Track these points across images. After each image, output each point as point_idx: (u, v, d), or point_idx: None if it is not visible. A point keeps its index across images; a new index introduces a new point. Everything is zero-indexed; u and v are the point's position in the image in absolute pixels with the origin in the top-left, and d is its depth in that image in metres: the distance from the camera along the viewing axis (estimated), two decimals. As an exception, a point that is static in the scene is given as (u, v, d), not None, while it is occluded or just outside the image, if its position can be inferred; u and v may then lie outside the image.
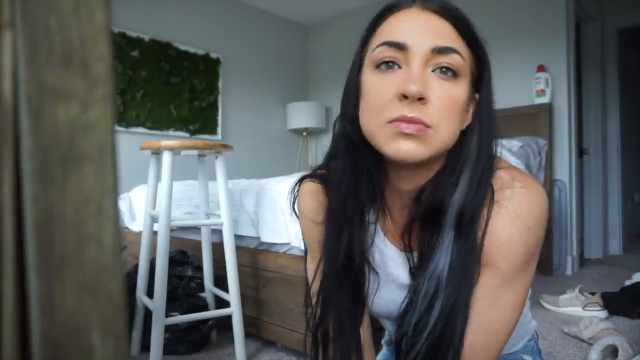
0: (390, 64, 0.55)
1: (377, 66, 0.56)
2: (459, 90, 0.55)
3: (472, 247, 0.56)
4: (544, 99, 2.91)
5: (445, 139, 0.55)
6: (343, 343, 0.66)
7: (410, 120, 0.52)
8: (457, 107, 0.55)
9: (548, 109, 2.90)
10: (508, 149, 2.48)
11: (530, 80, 2.99)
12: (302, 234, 0.75)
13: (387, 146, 0.54)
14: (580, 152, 3.67)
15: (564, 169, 3.00)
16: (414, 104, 0.52)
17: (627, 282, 2.37)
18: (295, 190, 0.72)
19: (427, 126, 0.53)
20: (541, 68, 2.95)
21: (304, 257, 0.77)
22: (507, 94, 3.07)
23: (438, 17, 0.55)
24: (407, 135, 0.52)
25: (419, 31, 0.54)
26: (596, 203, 3.74)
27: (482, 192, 0.56)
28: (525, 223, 0.56)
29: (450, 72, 0.54)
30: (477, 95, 0.60)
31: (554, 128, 2.99)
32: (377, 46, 0.56)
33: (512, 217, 0.56)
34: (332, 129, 0.66)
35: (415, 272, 0.61)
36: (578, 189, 3.16)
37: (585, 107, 3.74)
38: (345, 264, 0.63)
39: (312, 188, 0.70)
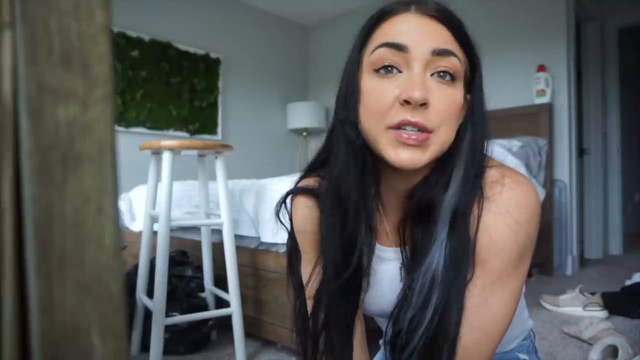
0: (389, 68, 0.55)
1: (376, 70, 0.56)
2: (457, 93, 0.56)
3: (464, 242, 0.56)
4: (544, 99, 2.91)
5: (445, 142, 0.56)
6: (335, 352, 0.66)
7: (414, 125, 0.53)
8: (456, 110, 0.56)
9: (548, 109, 2.90)
10: (508, 149, 2.48)
11: (530, 80, 2.99)
12: (298, 243, 0.74)
13: (388, 153, 0.55)
14: (580, 152, 3.67)
15: (564, 169, 3.00)
16: (416, 109, 0.53)
17: (627, 282, 2.37)
18: (286, 203, 0.72)
19: (429, 131, 0.53)
20: (541, 68, 2.95)
21: (288, 262, 0.77)
22: (507, 94, 3.07)
23: (435, 21, 0.56)
24: (409, 145, 0.53)
25: (418, 34, 0.55)
26: (596, 203, 3.74)
27: (474, 190, 0.57)
28: (515, 218, 0.56)
29: (448, 76, 0.55)
30: (468, 96, 0.60)
31: (554, 128, 2.98)
32: (376, 48, 0.56)
33: (503, 214, 0.56)
34: (329, 133, 0.65)
35: (408, 268, 0.61)
36: (578, 189, 3.16)
37: (585, 107, 3.73)
38: (347, 266, 0.63)
39: (307, 204, 0.70)
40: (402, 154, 0.54)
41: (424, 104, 0.53)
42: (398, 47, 0.54)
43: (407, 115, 0.53)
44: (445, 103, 0.54)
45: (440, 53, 0.54)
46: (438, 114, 0.54)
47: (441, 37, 0.55)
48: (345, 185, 0.61)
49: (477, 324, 0.57)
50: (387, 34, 0.56)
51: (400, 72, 0.55)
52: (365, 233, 0.62)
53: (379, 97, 0.55)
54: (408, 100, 0.52)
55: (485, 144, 0.60)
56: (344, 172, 0.61)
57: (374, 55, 0.56)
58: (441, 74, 0.55)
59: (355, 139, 0.59)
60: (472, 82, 0.60)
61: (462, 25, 0.57)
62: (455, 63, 0.55)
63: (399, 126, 0.53)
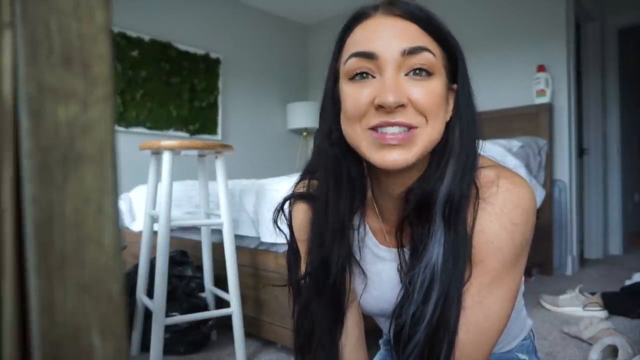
0: (364, 74, 0.56)
1: (351, 78, 0.57)
2: (436, 85, 0.55)
3: (462, 236, 0.56)
4: (544, 99, 2.91)
5: (431, 136, 0.56)
6: (320, 355, 0.67)
7: (394, 124, 0.53)
8: (438, 101, 0.55)
9: (548, 109, 2.90)
10: (508, 149, 2.48)
11: (530, 80, 2.99)
12: (298, 246, 0.76)
13: (372, 155, 0.55)
14: (580, 152, 3.67)
15: (564, 169, 3.00)
16: (393, 112, 0.53)
17: (627, 282, 2.37)
18: (285, 208, 0.74)
19: (413, 127, 0.54)
20: (541, 68, 2.95)
21: (288, 266, 0.78)
22: (507, 94, 3.07)
23: (402, 19, 0.56)
24: (392, 145, 0.54)
25: (386, 37, 0.55)
26: (596, 203, 3.74)
27: (467, 181, 0.57)
28: (511, 219, 0.56)
29: (424, 72, 0.55)
30: (455, 86, 0.60)
31: (554, 128, 2.98)
32: (348, 58, 0.57)
33: (498, 214, 0.56)
34: (313, 144, 0.67)
35: (408, 266, 0.62)
36: (578, 189, 3.16)
37: (585, 107, 3.73)
38: (326, 273, 0.64)
39: (306, 208, 0.71)
40: (385, 155, 0.54)
41: (401, 106, 0.53)
42: (367, 56, 0.55)
43: (387, 118, 0.53)
44: (424, 97, 0.54)
45: (411, 52, 0.54)
46: (418, 109, 0.54)
47: (410, 34, 0.55)
48: (321, 190, 0.63)
49: (475, 324, 0.57)
50: (357, 42, 0.57)
51: (374, 77, 0.55)
52: (339, 235, 0.63)
53: (354, 100, 0.56)
54: (382, 106, 0.53)
55: (476, 129, 0.59)
56: (321, 178, 0.63)
57: (346, 65, 0.57)
58: (417, 71, 0.55)
59: (329, 145, 0.61)
60: (456, 72, 0.60)
61: (431, 18, 0.57)
62: (429, 58, 0.55)
63: (379, 126, 0.54)
